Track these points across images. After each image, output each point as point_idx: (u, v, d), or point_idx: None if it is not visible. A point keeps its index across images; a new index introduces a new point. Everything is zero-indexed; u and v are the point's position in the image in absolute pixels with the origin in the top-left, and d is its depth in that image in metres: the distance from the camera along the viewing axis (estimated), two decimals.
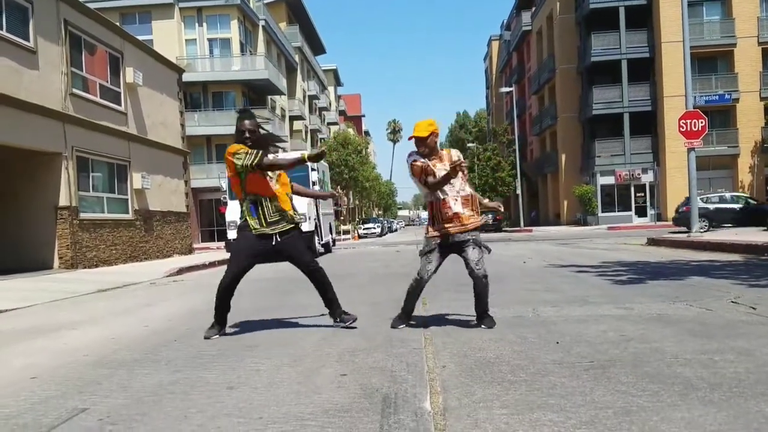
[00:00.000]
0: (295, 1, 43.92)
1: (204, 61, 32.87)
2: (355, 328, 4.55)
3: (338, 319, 4.63)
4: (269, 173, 4.47)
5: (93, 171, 15.05)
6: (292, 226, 4.52)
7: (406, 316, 4.54)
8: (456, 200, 4.30)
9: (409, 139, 4.37)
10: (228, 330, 4.68)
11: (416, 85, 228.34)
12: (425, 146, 4.33)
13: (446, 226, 4.29)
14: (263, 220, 4.43)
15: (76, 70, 14.41)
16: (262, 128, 4.68)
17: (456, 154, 4.37)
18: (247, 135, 4.45)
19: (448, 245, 4.32)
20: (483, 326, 4.35)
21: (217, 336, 4.53)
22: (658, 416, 2.32)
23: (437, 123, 4.46)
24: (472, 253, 4.25)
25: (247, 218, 4.47)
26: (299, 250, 4.55)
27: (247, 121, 4.49)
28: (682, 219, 20.78)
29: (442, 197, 4.31)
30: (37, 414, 2.78)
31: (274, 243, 4.46)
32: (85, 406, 2.86)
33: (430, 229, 4.38)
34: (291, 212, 4.52)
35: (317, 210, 16.12)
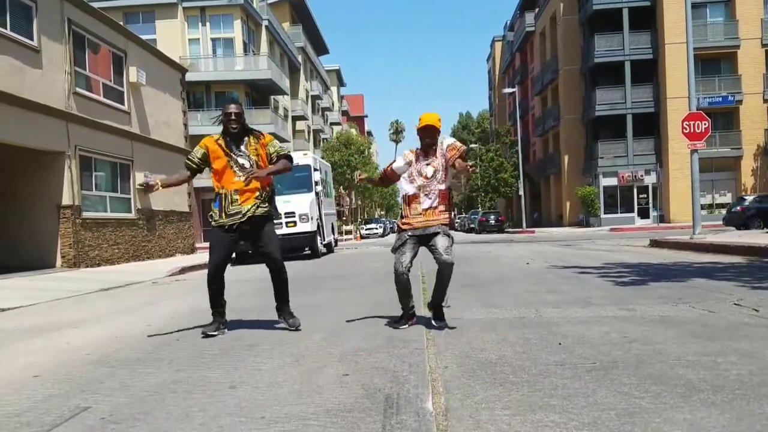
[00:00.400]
0: (299, 1, 43.93)
1: (207, 61, 32.90)
2: (300, 330, 4.59)
3: (284, 318, 4.72)
4: (242, 168, 4.53)
5: (96, 170, 15.08)
6: (259, 215, 4.56)
7: (407, 316, 4.55)
8: (428, 196, 4.37)
9: (421, 127, 4.36)
10: (230, 329, 4.70)
11: (418, 85, 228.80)
12: (431, 137, 4.37)
13: (416, 219, 4.38)
14: (223, 213, 4.55)
15: (80, 69, 14.44)
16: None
17: (449, 142, 4.39)
18: (233, 117, 4.51)
19: (418, 237, 4.38)
20: (434, 323, 4.39)
21: (218, 333, 4.55)
22: (661, 418, 2.31)
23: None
24: (441, 240, 4.31)
25: (212, 210, 4.63)
26: (264, 240, 4.62)
27: (233, 105, 4.58)
28: (734, 218, 20.92)
29: (413, 192, 4.41)
30: (39, 412, 2.78)
31: (239, 231, 4.56)
32: (88, 405, 2.86)
33: (402, 221, 4.47)
34: (253, 207, 4.54)
35: (319, 210, 16.09)
